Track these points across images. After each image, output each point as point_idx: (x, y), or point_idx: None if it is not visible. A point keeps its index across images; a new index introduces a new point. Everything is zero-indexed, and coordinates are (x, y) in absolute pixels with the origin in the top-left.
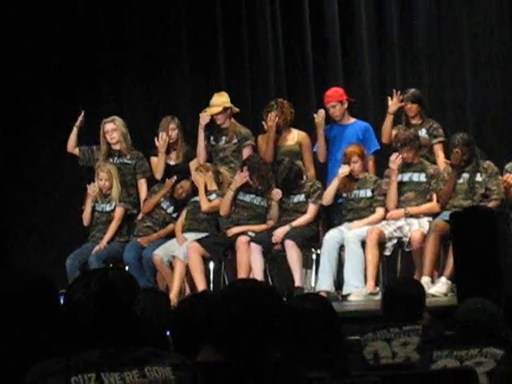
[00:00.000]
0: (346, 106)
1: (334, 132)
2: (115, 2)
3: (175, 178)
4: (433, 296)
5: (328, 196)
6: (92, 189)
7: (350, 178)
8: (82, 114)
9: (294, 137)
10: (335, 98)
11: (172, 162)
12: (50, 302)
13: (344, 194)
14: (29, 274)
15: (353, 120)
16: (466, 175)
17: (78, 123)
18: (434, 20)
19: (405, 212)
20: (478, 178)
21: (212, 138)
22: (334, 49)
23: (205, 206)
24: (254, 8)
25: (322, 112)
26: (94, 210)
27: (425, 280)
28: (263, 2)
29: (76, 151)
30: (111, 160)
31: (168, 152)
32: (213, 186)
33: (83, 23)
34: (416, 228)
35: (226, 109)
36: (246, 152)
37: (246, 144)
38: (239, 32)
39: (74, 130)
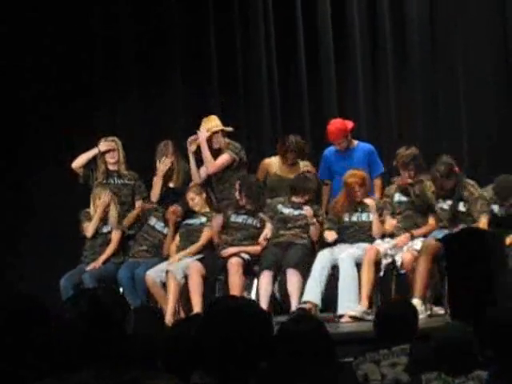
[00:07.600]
0: (349, 136)
1: (338, 154)
2: (111, 25)
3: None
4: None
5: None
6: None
7: (353, 201)
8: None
9: (299, 167)
10: (340, 136)
11: (171, 185)
12: (43, 324)
13: (346, 218)
14: (22, 296)
15: (356, 143)
16: (449, 202)
17: (103, 148)
18: (429, 45)
19: (410, 236)
20: (461, 207)
21: None
22: (327, 71)
23: (203, 240)
24: (248, 31)
25: None
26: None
27: (415, 302)
28: (258, 25)
29: (80, 170)
30: (111, 181)
31: (167, 175)
32: (205, 208)
33: (78, 46)
34: (405, 250)
35: (214, 133)
36: (223, 158)
37: (228, 152)
38: (234, 55)
39: (94, 151)
